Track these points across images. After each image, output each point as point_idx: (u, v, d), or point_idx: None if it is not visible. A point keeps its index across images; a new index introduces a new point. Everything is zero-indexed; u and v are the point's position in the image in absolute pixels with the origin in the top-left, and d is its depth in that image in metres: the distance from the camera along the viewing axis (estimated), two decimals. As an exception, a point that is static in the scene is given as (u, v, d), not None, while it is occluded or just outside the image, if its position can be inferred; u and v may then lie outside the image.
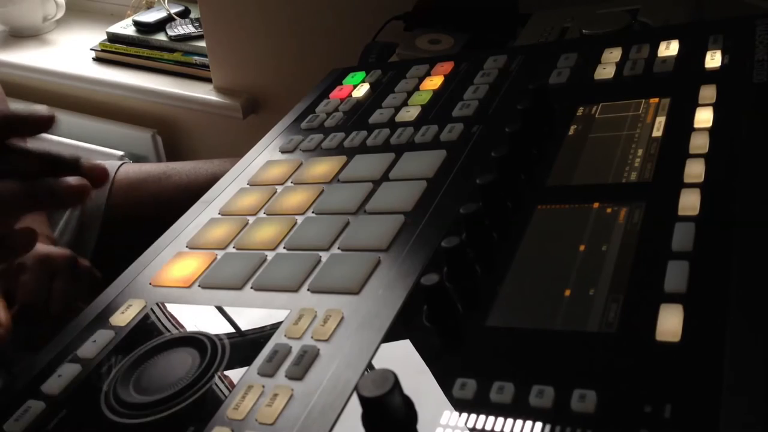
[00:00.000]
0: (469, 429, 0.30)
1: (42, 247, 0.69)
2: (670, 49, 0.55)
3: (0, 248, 0.44)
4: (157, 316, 0.45)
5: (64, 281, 0.68)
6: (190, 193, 0.59)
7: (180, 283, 0.47)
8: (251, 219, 0.52)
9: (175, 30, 1.52)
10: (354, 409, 0.33)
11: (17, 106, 0.45)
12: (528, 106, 0.50)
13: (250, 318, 0.42)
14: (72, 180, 0.43)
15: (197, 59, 1.47)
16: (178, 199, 0.60)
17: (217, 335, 0.42)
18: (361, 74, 0.71)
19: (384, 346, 0.37)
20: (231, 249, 0.50)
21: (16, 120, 0.44)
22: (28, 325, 0.46)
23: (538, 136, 0.50)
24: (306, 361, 0.37)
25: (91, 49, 1.59)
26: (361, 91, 0.68)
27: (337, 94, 0.69)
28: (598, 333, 0.33)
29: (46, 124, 0.44)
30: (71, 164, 0.45)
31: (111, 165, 0.93)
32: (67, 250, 0.72)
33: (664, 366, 0.30)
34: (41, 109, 0.44)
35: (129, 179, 0.90)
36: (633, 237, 0.38)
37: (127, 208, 0.87)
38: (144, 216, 0.83)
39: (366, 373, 0.35)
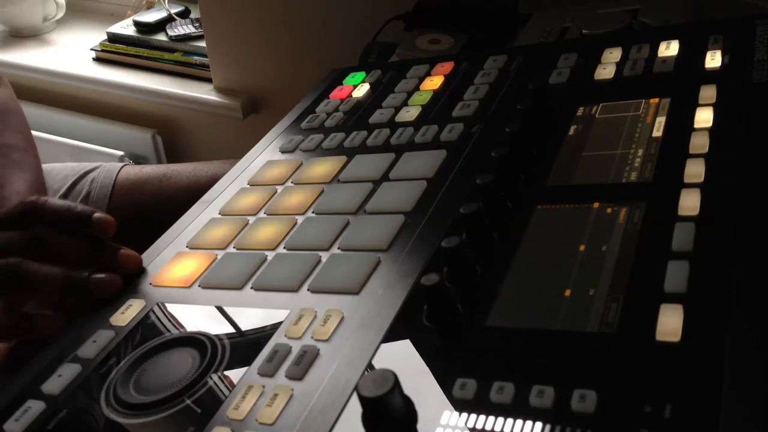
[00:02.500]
0: (469, 429, 0.30)
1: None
2: (670, 49, 0.55)
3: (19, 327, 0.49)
4: (157, 316, 0.45)
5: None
6: (190, 195, 0.60)
7: (180, 283, 0.47)
8: (251, 219, 0.52)
9: (175, 30, 1.52)
10: (354, 409, 0.33)
11: (84, 208, 0.51)
12: (528, 106, 0.50)
13: (250, 318, 0.42)
14: (106, 277, 0.48)
15: (197, 59, 1.47)
16: (179, 201, 0.60)
17: (217, 335, 0.42)
18: (361, 74, 0.71)
19: (384, 346, 0.37)
20: (231, 249, 0.50)
21: (83, 220, 0.50)
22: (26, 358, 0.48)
23: (538, 136, 0.50)
24: (306, 361, 0.37)
25: (91, 49, 1.59)
26: (361, 91, 0.68)
27: (337, 94, 0.69)
28: (598, 333, 0.33)
29: (107, 231, 0.51)
30: (111, 253, 0.50)
31: (112, 167, 0.93)
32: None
33: (664, 366, 0.30)
34: (102, 217, 0.50)
35: (130, 181, 0.90)
36: (633, 237, 0.38)
37: (128, 210, 0.87)
38: (145, 218, 0.83)
39: (366, 373, 0.35)
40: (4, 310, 0.48)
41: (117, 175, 0.90)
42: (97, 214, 0.50)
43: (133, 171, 0.92)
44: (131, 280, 0.49)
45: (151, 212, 0.85)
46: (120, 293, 0.48)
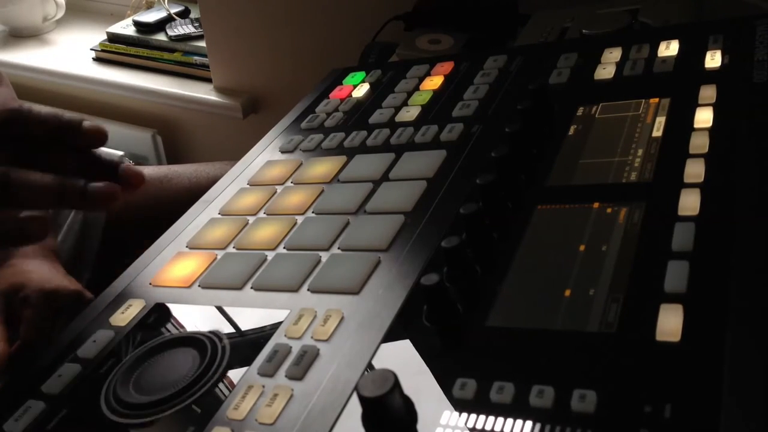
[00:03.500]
0: (469, 429, 0.30)
1: (49, 281, 0.67)
2: (670, 49, 0.55)
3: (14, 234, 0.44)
4: (157, 316, 0.45)
5: (69, 320, 0.66)
6: (191, 196, 0.59)
7: (180, 283, 0.47)
8: (251, 219, 0.52)
9: (175, 30, 1.52)
10: (354, 409, 0.33)
11: (72, 116, 0.46)
12: (528, 106, 0.50)
13: (250, 318, 0.42)
14: (104, 185, 0.44)
15: (197, 59, 1.47)
16: (180, 202, 0.60)
17: (217, 335, 0.42)
18: (361, 74, 0.71)
19: (384, 346, 0.37)
20: (231, 249, 0.50)
21: (72, 129, 0.45)
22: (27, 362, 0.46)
23: (538, 136, 0.50)
24: (306, 361, 0.37)
25: (91, 49, 1.59)
26: (361, 91, 0.68)
27: (337, 94, 0.69)
28: (598, 333, 0.33)
29: (99, 140, 0.46)
30: (110, 166, 0.46)
31: None
32: (74, 284, 0.69)
33: (664, 366, 0.30)
34: (93, 125, 0.46)
35: None
36: (633, 237, 0.38)
37: (129, 211, 0.87)
38: (145, 219, 0.82)
39: (366, 373, 0.35)
40: None
41: None
42: (87, 122, 0.46)
43: None
44: (131, 280, 0.49)
45: (152, 213, 0.85)
46: (120, 293, 0.48)
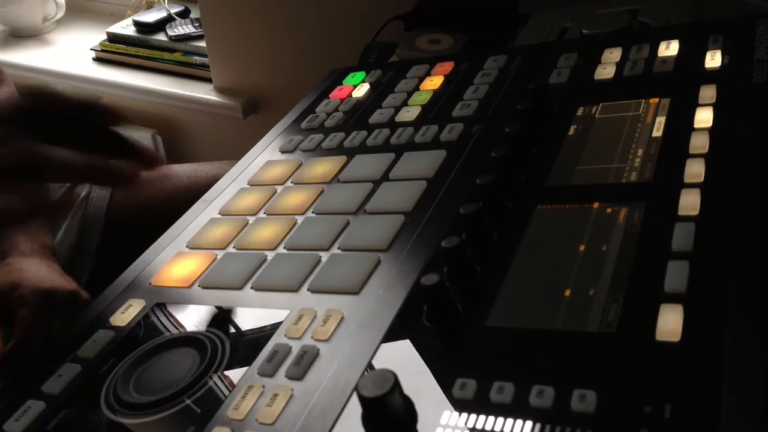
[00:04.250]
0: (469, 429, 0.30)
1: (45, 280, 0.67)
2: (670, 49, 0.55)
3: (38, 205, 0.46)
4: (157, 316, 0.45)
5: (65, 320, 0.66)
6: (191, 196, 0.59)
7: (180, 283, 0.47)
8: (251, 219, 0.52)
9: (175, 30, 1.52)
10: (354, 409, 0.33)
11: (89, 94, 0.48)
12: (528, 106, 0.50)
13: (250, 318, 0.42)
14: (126, 164, 0.47)
15: (197, 59, 1.47)
16: (179, 202, 0.60)
17: (217, 335, 0.42)
18: (361, 74, 0.71)
19: (384, 346, 0.37)
20: (231, 249, 0.50)
21: (91, 107, 0.47)
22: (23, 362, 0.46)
23: (538, 136, 0.50)
24: (306, 361, 0.37)
25: (91, 49, 1.59)
26: (361, 91, 0.68)
27: (337, 94, 0.69)
28: (598, 333, 0.33)
29: (116, 118, 0.48)
30: (131, 147, 0.48)
31: None
32: (71, 283, 0.70)
33: (664, 366, 0.30)
34: (110, 103, 0.47)
35: None
36: (633, 237, 0.38)
37: (129, 210, 0.87)
38: (145, 218, 0.82)
39: (366, 373, 0.35)
40: (21, 196, 0.45)
41: None
42: (103, 100, 0.47)
43: None
44: (131, 280, 0.49)
45: (152, 213, 0.85)
46: (120, 293, 0.48)
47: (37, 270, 0.67)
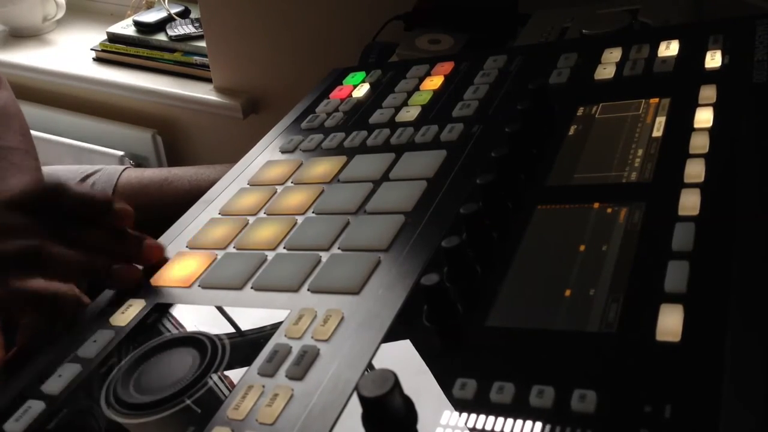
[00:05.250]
0: (469, 429, 0.30)
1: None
2: (670, 49, 0.55)
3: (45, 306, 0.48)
4: (157, 316, 0.45)
5: (67, 326, 0.66)
6: (192, 199, 0.59)
7: (180, 283, 0.47)
8: (251, 219, 0.52)
9: (175, 30, 1.52)
10: (354, 409, 0.33)
11: (104, 195, 0.50)
12: (528, 106, 0.50)
13: (250, 318, 0.42)
14: (127, 268, 0.49)
15: (197, 59, 1.47)
16: (180, 205, 0.60)
17: (217, 335, 0.42)
18: (361, 74, 0.71)
19: (384, 346, 0.37)
20: (231, 249, 0.50)
21: (102, 208, 0.49)
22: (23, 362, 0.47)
23: (538, 136, 0.50)
24: (306, 361, 0.37)
25: (91, 49, 1.59)
26: (361, 91, 0.68)
27: (337, 94, 0.69)
28: (598, 333, 0.33)
29: (126, 220, 0.50)
30: (135, 242, 0.50)
31: (113, 171, 0.93)
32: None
33: (664, 366, 0.30)
34: (122, 206, 0.50)
35: (131, 185, 0.90)
36: (633, 237, 0.38)
37: None
38: (145, 221, 0.82)
39: (366, 373, 0.35)
40: (20, 291, 0.47)
41: (118, 178, 0.90)
42: (118, 204, 0.50)
43: (134, 174, 0.92)
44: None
45: (152, 216, 0.85)
46: (120, 293, 0.48)
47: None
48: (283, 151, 0.62)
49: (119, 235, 0.50)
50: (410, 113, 0.60)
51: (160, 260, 0.50)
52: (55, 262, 0.46)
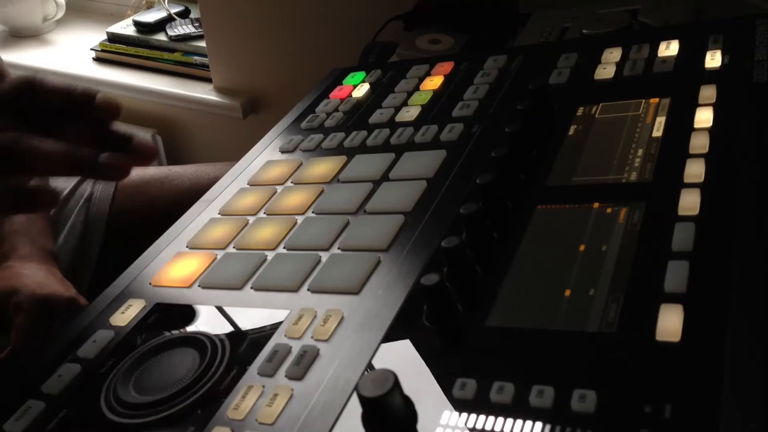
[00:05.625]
0: (469, 429, 0.30)
1: (43, 286, 0.66)
2: (670, 49, 0.55)
3: (21, 199, 0.44)
4: (157, 316, 0.45)
5: (62, 327, 0.65)
6: (192, 197, 0.59)
7: (180, 283, 0.47)
8: (251, 219, 0.52)
9: (175, 30, 1.52)
10: (354, 409, 0.33)
11: (87, 88, 0.45)
12: (528, 106, 0.50)
13: (250, 318, 0.42)
14: (115, 156, 0.44)
15: (197, 59, 1.47)
16: (180, 203, 0.60)
17: (217, 335, 0.42)
18: (361, 74, 0.71)
19: (384, 346, 0.37)
20: (231, 249, 0.50)
21: (86, 101, 0.44)
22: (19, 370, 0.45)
23: (538, 136, 0.50)
24: (306, 361, 0.37)
25: (91, 49, 1.59)
26: (361, 91, 0.68)
27: (337, 94, 0.69)
28: (598, 333, 0.33)
29: (112, 113, 0.45)
30: (123, 139, 0.45)
31: None
32: (69, 290, 0.68)
33: (664, 366, 0.30)
34: (106, 98, 0.45)
35: (132, 183, 0.90)
36: (633, 237, 0.38)
37: (130, 212, 0.87)
38: (146, 220, 0.83)
39: (366, 373, 0.35)
40: (3, 187, 0.44)
41: None
42: (100, 95, 0.45)
43: (135, 173, 0.92)
44: (131, 280, 0.49)
45: (153, 214, 0.85)
46: (120, 293, 0.48)
47: (35, 275, 0.67)
48: (283, 151, 0.62)
49: (107, 131, 0.46)
50: (410, 113, 0.60)
51: (152, 159, 0.46)
52: (34, 156, 0.43)
